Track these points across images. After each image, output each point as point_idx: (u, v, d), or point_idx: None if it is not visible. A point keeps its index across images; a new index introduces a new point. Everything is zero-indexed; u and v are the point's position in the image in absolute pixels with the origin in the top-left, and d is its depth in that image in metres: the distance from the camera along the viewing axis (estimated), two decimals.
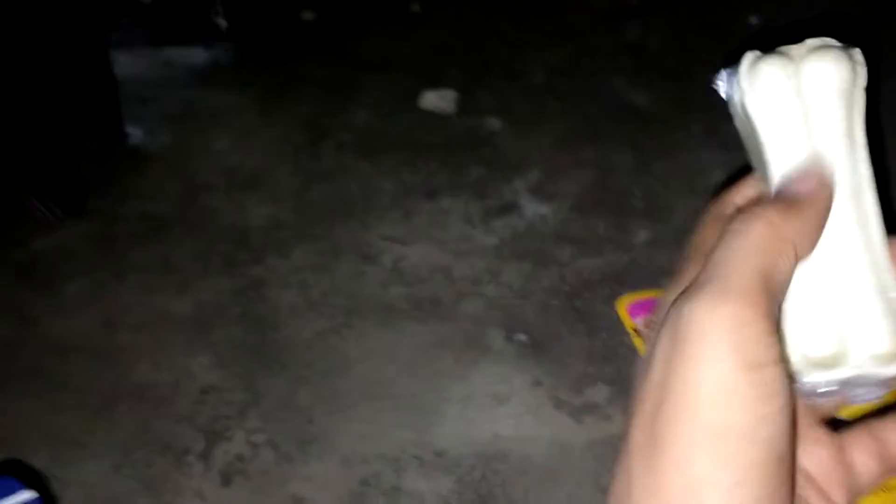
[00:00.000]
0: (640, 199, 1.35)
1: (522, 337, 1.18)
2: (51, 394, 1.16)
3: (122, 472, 1.06)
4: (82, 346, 1.23)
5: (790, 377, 0.30)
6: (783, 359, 0.29)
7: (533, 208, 1.36)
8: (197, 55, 1.71)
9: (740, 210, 0.34)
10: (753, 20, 1.62)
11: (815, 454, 0.35)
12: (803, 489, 0.34)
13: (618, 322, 1.17)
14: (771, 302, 0.30)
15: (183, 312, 1.28)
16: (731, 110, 0.37)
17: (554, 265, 1.27)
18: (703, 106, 1.45)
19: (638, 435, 0.30)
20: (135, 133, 1.58)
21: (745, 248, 0.30)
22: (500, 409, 1.10)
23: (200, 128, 1.60)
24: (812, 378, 0.33)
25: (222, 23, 1.69)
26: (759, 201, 0.33)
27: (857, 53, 0.35)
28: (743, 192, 0.37)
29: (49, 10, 1.42)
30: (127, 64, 1.65)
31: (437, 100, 1.58)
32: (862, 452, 0.35)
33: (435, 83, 1.60)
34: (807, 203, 0.32)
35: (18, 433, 1.11)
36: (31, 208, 1.38)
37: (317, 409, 1.13)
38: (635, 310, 1.17)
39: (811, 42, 0.35)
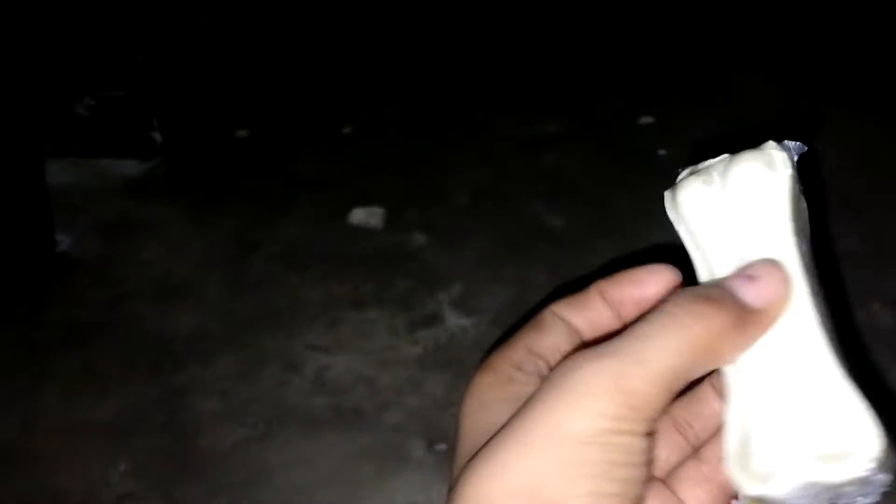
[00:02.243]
0: None
1: (443, 447, 1.21)
2: None
3: None
4: None
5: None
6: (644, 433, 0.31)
7: (455, 320, 1.41)
8: (130, 167, 1.74)
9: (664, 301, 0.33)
10: (661, 152, 1.75)
11: None
12: None
13: None
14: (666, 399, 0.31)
15: (103, 419, 1.27)
16: (677, 230, 0.37)
17: None
18: (613, 229, 1.54)
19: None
20: (64, 240, 1.59)
21: (673, 341, 0.30)
22: None
23: (130, 237, 1.63)
24: (801, 484, 0.30)
25: (157, 137, 1.73)
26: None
27: (774, 149, 0.34)
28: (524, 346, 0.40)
29: None
30: (59, 172, 1.68)
31: (365, 216, 1.64)
32: (691, 486, 0.36)
33: (364, 201, 1.67)
34: (758, 316, 0.31)
35: None
36: None
37: None
38: None
39: (728, 155, 0.36)
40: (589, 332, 0.40)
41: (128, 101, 1.66)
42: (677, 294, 0.33)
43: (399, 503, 1.14)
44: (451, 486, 0.33)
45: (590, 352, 0.31)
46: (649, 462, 0.31)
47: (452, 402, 1.28)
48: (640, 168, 1.69)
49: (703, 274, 0.36)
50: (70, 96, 1.62)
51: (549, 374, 0.32)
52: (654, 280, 0.37)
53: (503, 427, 0.32)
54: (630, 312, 0.38)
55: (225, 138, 1.88)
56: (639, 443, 0.30)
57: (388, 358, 1.36)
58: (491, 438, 0.32)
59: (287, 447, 1.23)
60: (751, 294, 0.31)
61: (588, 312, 0.39)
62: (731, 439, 0.32)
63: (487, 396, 0.37)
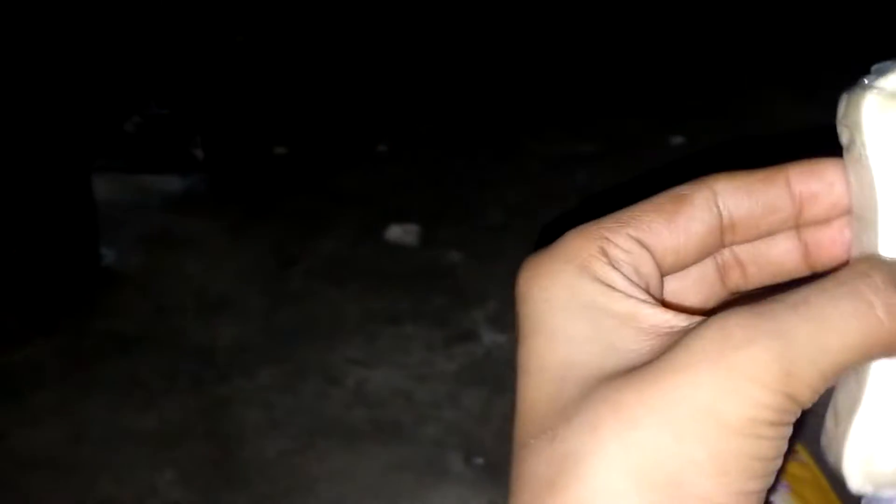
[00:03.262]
0: None
1: (480, 460, 1.23)
2: None
3: None
4: (46, 460, 1.24)
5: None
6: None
7: (491, 337, 1.44)
8: (172, 183, 1.79)
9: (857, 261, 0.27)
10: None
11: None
12: None
13: None
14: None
15: (148, 429, 1.31)
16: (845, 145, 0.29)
17: (510, 391, 1.33)
18: None
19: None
20: (108, 254, 1.63)
21: (860, 334, 0.25)
22: None
23: (172, 251, 1.67)
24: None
25: (199, 153, 1.78)
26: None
27: None
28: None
29: (36, 132, 1.50)
30: (104, 188, 1.73)
31: (401, 233, 1.67)
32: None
33: (400, 217, 1.70)
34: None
35: None
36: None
37: None
38: None
39: None
40: (746, 233, 0.30)
41: (171, 119, 1.71)
42: (869, 263, 0.26)
43: None
44: (522, 444, 0.26)
45: (751, 317, 0.25)
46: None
47: (489, 417, 1.30)
48: (668, 185, 1.71)
49: (889, 220, 0.28)
50: (119, 114, 1.67)
51: (695, 331, 0.25)
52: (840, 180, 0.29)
53: (626, 385, 0.25)
54: (811, 214, 0.30)
55: (264, 155, 1.93)
56: (789, 434, 0.25)
57: (425, 372, 1.38)
58: (602, 395, 0.25)
59: (328, 459, 1.25)
60: None
61: (760, 197, 0.29)
62: (858, 431, 0.28)
63: (568, 301, 0.27)
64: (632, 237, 0.29)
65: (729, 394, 0.24)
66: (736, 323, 0.25)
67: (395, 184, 1.82)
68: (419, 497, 1.19)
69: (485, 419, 1.30)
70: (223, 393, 1.37)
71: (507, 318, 1.48)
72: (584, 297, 0.27)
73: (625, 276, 0.28)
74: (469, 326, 1.46)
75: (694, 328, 0.25)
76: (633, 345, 0.26)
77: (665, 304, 0.28)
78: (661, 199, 0.30)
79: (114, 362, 1.43)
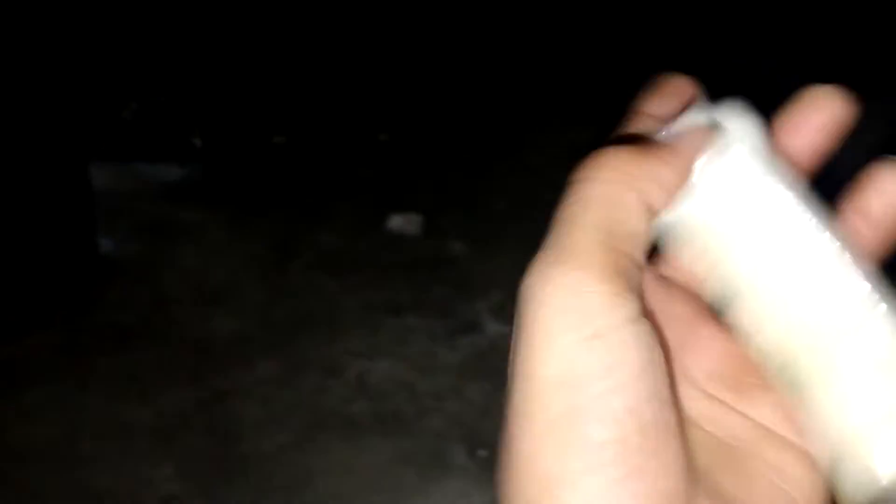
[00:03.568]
0: None
1: (483, 453, 1.21)
2: (8, 500, 1.15)
3: None
4: (43, 453, 1.22)
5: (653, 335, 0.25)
6: (636, 319, 0.24)
7: (495, 328, 1.41)
8: (170, 172, 1.76)
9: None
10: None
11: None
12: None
13: None
14: (617, 260, 0.25)
15: (146, 422, 1.28)
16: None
17: None
18: None
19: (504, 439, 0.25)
20: (105, 244, 1.61)
21: (583, 200, 0.25)
22: None
23: (170, 241, 1.64)
24: None
25: (198, 142, 1.75)
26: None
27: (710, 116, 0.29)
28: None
29: (33, 121, 1.47)
30: (100, 176, 1.70)
31: (403, 223, 1.64)
32: None
33: (401, 207, 1.67)
34: (671, 147, 0.27)
35: None
36: None
37: None
38: None
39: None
40: None
41: (170, 107, 1.68)
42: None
43: None
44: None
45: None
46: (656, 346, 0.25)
47: (493, 410, 1.28)
48: None
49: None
50: (116, 101, 1.64)
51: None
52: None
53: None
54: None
55: (263, 144, 1.90)
56: (640, 328, 0.24)
57: (427, 364, 1.36)
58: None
59: (328, 452, 1.23)
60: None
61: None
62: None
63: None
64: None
65: (543, 351, 0.25)
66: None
67: (396, 173, 1.80)
68: (422, 491, 1.17)
69: (488, 411, 1.27)
70: (222, 386, 1.34)
71: (511, 309, 1.45)
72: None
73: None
74: (472, 317, 1.44)
75: None
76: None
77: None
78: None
79: (111, 355, 1.40)
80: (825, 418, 0.28)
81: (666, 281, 0.30)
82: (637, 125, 0.30)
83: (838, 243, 0.27)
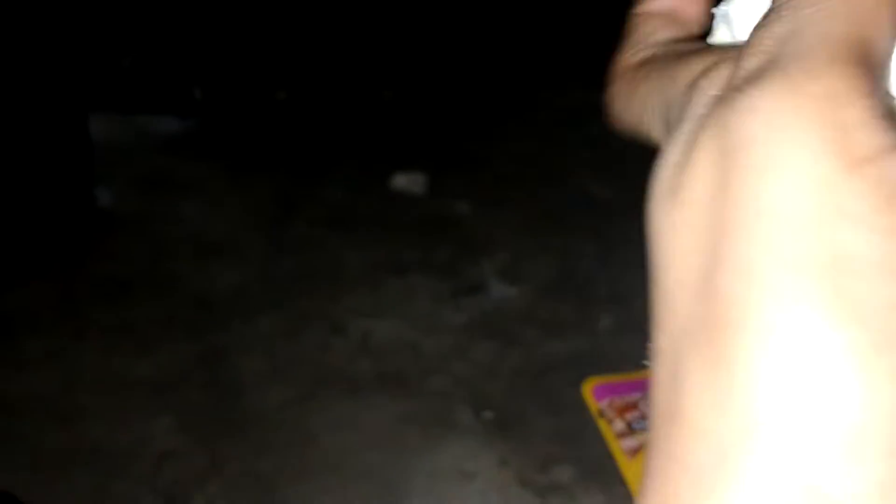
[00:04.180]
0: (604, 285, 1.39)
1: (489, 414, 1.19)
2: (3, 453, 1.12)
3: None
4: (39, 405, 1.20)
5: None
6: None
7: (500, 290, 1.39)
8: (170, 124, 1.72)
9: None
10: None
11: None
12: None
13: (582, 404, 1.19)
14: (873, 78, 0.19)
15: (145, 375, 1.26)
16: None
17: (521, 346, 1.29)
18: None
19: (684, 321, 0.18)
20: (104, 196, 1.58)
21: (824, 13, 0.19)
22: (466, 486, 1.10)
23: (169, 194, 1.61)
24: None
25: (198, 94, 1.71)
26: None
27: None
28: None
29: (32, 71, 1.43)
30: (99, 128, 1.66)
31: (407, 182, 1.61)
32: None
33: (406, 166, 1.64)
34: None
35: None
36: None
37: (280, 478, 1.12)
38: (600, 392, 1.20)
39: None
40: None
41: (170, 58, 1.64)
42: None
43: (446, 469, 1.12)
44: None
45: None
46: None
47: (499, 371, 1.26)
48: None
49: None
50: (116, 52, 1.60)
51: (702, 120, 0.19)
52: None
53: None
54: None
55: (265, 99, 1.86)
56: None
57: (432, 324, 1.34)
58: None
59: (330, 410, 1.21)
60: None
61: None
62: None
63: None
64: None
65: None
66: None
67: (400, 131, 1.76)
68: (426, 451, 1.15)
69: (494, 373, 1.25)
70: (222, 340, 1.32)
71: (516, 270, 1.43)
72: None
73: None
74: (477, 278, 1.42)
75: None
76: None
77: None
78: None
79: (109, 308, 1.37)
80: None
81: None
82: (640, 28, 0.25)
83: None
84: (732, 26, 0.24)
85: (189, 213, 1.57)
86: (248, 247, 1.50)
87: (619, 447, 1.13)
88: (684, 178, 0.19)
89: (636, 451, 1.12)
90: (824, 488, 0.17)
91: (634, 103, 0.23)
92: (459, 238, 1.50)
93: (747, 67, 0.19)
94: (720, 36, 0.24)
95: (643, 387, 1.13)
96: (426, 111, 1.83)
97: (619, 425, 1.15)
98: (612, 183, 1.57)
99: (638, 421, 1.14)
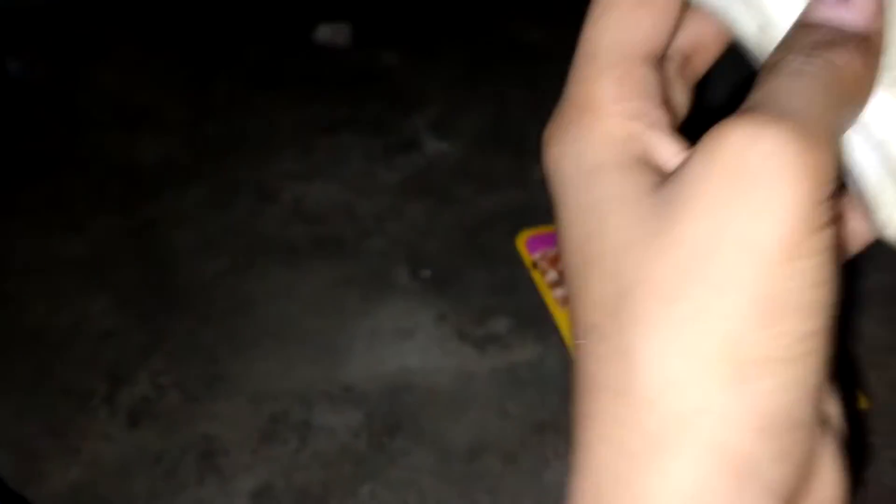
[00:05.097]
0: (537, 136, 1.38)
1: (427, 272, 1.21)
2: None
3: (24, 418, 1.04)
4: None
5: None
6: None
7: (433, 145, 1.37)
8: None
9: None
10: None
11: None
12: None
13: (517, 256, 1.21)
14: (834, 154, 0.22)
15: (77, 254, 1.24)
16: None
17: (455, 202, 1.30)
18: None
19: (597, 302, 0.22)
20: (13, 66, 1.50)
21: (814, 82, 0.22)
22: (406, 343, 1.13)
23: (83, 61, 1.54)
24: None
25: None
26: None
27: None
28: None
29: None
30: None
31: (331, 33, 1.55)
32: None
33: (329, 16, 1.58)
34: (870, 39, 0.23)
35: None
36: None
37: (221, 348, 1.13)
38: (533, 244, 1.21)
39: None
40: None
41: None
42: (787, 45, 0.23)
43: (386, 329, 1.15)
44: (576, 342, 0.23)
45: (751, 110, 0.21)
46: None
47: (435, 230, 1.27)
48: None
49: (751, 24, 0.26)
50: None
51: (702, 146, 0.21)
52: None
53: (654, 256, 0.21)
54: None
55: None
56: (833, 241, 0.21)
57: (365, 185, 1.33)
58: (635, 276, 0.21)
59: (268, 277, 1.21)
60: (849, 16, 0.23)
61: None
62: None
63: (592, 160, 0.24)
64: (642, 58, 0.25)
65: (756, 214, 0.20)
66: (733, 129, 0.21)
67: None
68: (365, 312, 1.17)
69: (430, 231, 1.26)
70: (152, 213, 1.30)
71: (449, 123, 1.41)
72: (611, 156, 0.24)
73: (650, 110, 0.24)
74: (410, 134, 1.40)
75: (691, 155, 0.21)
76: (648, 185, 0.23)
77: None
78: None
79: (33, 185, 1.34)
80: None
81: None
82: None
83: None
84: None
85: (106, 80, 1.51)
86: (170, 113, 1.45)
87: (553, 297, 1.15)
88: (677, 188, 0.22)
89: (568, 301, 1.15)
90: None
91: None
92: (389, 91, 1.47)
93: (744, 109, 0.22)
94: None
95: None
96: None
97: (552, 275, 1.17)
98: (541, 27, 1.53)
99: None
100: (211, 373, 1.10)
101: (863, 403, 1.00)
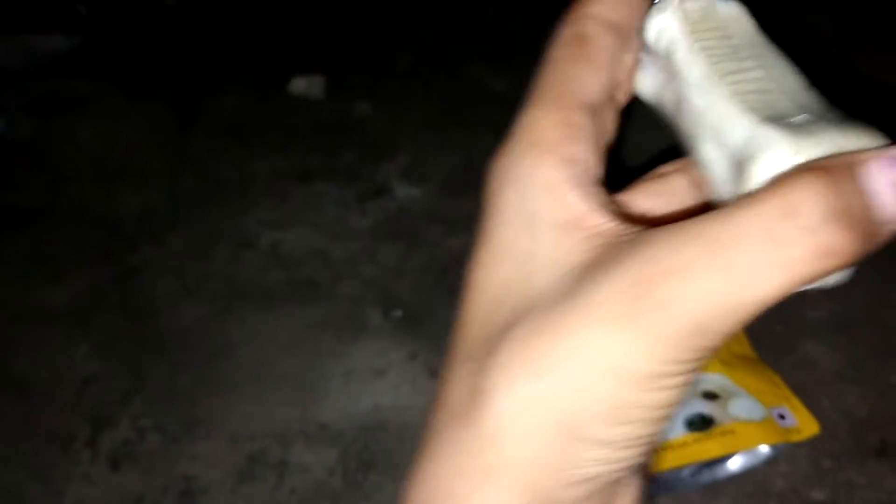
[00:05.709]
0: None
1: (398, 313, 1.25)
2: None
3: (8, 464, 1.07)
4: None
5: None
6: None
7: (404, 190, 1.43)
8: (57, 42, 1.68)
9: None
10: None
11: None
12: None
13: None
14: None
15: (59, 303, 1.28)
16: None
17: (426, 244, 1.35)
18: None
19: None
20: None
21: (773, 267, 0.21)
22: (379, 381, 1.17)
23: (65, 116, 1.59)
24: None
25: (82, 9, 1.66)
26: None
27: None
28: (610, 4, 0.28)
29: None
30: None
31: (306, 85, 1.61)
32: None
33: (303, 69, 1.64)
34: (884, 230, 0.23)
35: None
36: None
37: (201, 391, 1.17)
38: None
39: None
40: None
41: None
42: (789, 178, 0.22)
43: (359, 368, 1.19)
44: (451, 364, 0.27)
45: (661, 266, 0.22)
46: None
47: (406, 270, 1.31)
48: None
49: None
50: None
51: (607, 272, 0.23)
52: None
53: (539, 330, 0.24)
54: None
55: (152, 6, 1.81)
56: (695, 374, 0.24)
57: (339, 230, 1.38)
58: (519, 336, 0.25)
59: (246, 322, 1.26)
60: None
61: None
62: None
63: (516, 210, 0.27)
64: (584, 109, 0.27)
65: (636, 353, 0.23)
66: (649, 274, 0.22)
67: (294, 32, 1.74)
68: (340, 353, 1.21)
69: (401, 273, 1.31)
70: (133, 262, 1.34)
71: (419, 170, 1.46)
72: (529, 206, 0.26)
73: (579, 173, 0.26)
74: (381, 181, 1.45)
75: (605, 266, 0.24)
76: (574, 256, 0.25)
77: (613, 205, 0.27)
78: (564, 49, 0.28)
79: (16, 238, 1.38)
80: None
81: None
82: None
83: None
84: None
85: (87, 134, 1.55)
86: (150, 164, 1.50)
87: None
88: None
89: None
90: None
91: None
92: (362, 140, 1.52)
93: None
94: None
95: None
96: (320, 8, 1.81)
97: None
98: (507, 75, 1.60)
99: None
100: (190, 415, 1.14)
101: (815, 429, 1.04)
